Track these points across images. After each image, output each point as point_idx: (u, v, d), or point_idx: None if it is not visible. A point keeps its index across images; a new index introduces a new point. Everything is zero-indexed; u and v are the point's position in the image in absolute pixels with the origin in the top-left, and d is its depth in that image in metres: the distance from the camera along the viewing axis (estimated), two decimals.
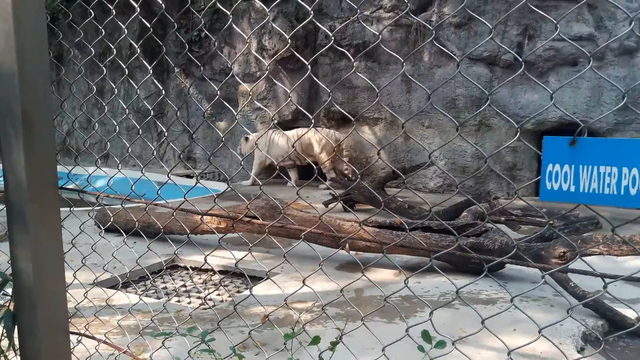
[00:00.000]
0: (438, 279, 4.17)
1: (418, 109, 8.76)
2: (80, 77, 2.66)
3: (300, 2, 1.64)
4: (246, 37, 9.11)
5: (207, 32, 5.00)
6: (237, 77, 9.39)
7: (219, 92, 1.98)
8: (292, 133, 9.09)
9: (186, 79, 10.85)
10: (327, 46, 2.04)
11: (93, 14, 2.03)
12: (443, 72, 8.56)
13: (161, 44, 2.22)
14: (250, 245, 1.93)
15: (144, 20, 1.89)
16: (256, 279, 4.46)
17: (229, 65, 9.76)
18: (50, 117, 1.65)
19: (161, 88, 3.00)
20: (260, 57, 2.43)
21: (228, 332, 3.13)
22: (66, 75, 12.02)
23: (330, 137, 9.04)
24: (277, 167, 2.45)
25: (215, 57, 9.97)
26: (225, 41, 9.87)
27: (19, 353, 1.66)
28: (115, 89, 10.78)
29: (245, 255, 1.80)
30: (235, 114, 1.74)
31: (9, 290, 1.76)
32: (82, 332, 1.85)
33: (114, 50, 2.10)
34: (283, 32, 2.11)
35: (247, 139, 9.35)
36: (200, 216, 3.42)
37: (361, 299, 3.86)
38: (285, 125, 9.84)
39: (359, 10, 1.66)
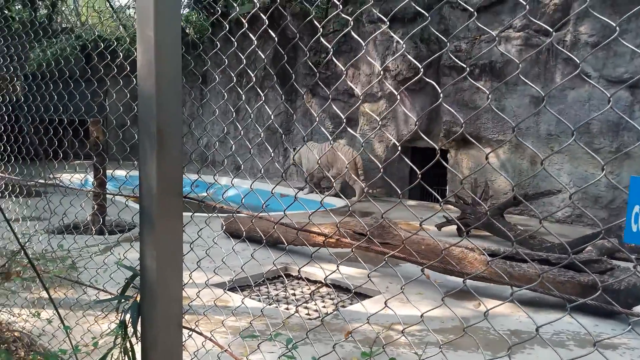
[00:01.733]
0: (554, 314, 3.88)
1: (547, 133, 8.24)
2: (219, 96, 2.95)
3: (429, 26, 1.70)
4: (372, 60, 9.32)
5: (332, 57, 5.23)
6: (359, 98, 9.61)
7: (342, 114, 2.10)
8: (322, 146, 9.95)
9: (312, 98, 11.35)
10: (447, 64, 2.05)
11: (235, 42, 2.27)
12: (576, 94, 7.97)
13: (291, 70, 2.40)
14: (339, 261, 2.00)
15: (278, 46, 2.07)
16: (361, 295, 4.52)
17: (353, 87, 10.02)
18: (180, 134, 1.88)
19: (289, 108, 3.22)
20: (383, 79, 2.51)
21: (327, 344, 3.24)
22: (208, 93, 13.23)
23: (349, 154, 9.66)
24: (307, 179, 2.50)
25: (339, 78, 10.32)
26: (350, 63, 10.18)
27: (140, 340, 1.89)
28: (248, 107, 11.61)
29: (333, 272, 1.88)
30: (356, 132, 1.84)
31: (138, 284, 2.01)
32: (193, 327, 2.06)
33: (250, 72, 2.31)
34: (407, 54, 2.15)
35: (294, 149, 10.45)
36: (313, 229, 3.59)
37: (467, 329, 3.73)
38: (403, 144, 9.82)
39: (493, 33, 1.67)
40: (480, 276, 4.23)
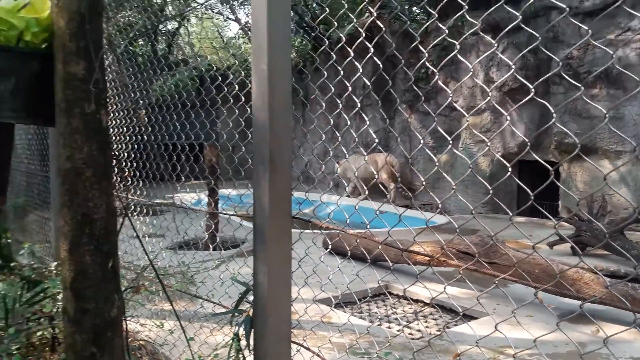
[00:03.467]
0: None
1: None
2: (320, 114, 3.09)
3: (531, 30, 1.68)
4: (471, 68, 9.09)
5: (433, 69, 5.21)
6: (461, 110, 9.41)
7: (438, 126, 2.12)
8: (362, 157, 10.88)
9: (412, 113, 11.28)
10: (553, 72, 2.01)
11: (334, 58, 2.38)
12: None
13: (391, 87, 2.46)
14: (444, 281, 2.00)
15: (377, 63, 2.13)
16: (467, 316, 4.39)
17: (453, 100, 9.84)
18: (289, 160, 2.01)
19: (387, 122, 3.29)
20: (487, 88, 2.50)
21: None
22: (311, 112, 13.69)
23: (388, 161, 10.53)
24: (347, 188, 2.46)
25: (441, 92, 10.17)
26: (451, 76, 10.00)
27: (252, 353, 2.03)
28: (348, 123, 11.82)
29: (440, 294, 1.88)
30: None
31: (251, 299, 2.17)
32: (301, 342, 2.17)
33: (349, 89, 2.42)
34: (510, 62, 2.10)
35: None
36: (419, 247, 3.59)
37: (584, 356, 3.49)
38: (509, 158, 9.41)
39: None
40: (601, 299, 3.93)
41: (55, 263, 2.71)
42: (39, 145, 5.25)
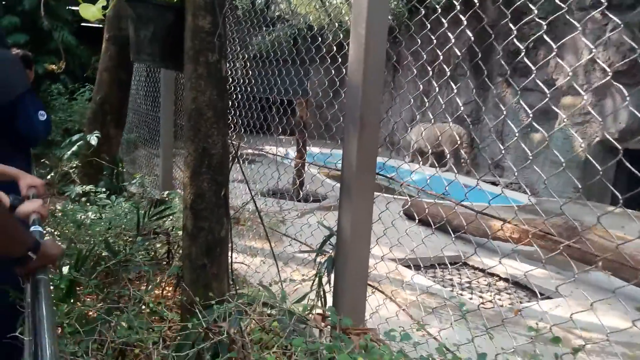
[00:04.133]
0: None
1: None
2: (411, 80, 3.16)
3: None
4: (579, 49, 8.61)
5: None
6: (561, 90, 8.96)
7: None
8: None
9: (507, 88, 10.86)
10: None
11: (429, 26, 2.47)
12: None
13: (485, 59, 2.49)
14: (518, 258, 2.10)
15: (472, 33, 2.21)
16: (541, 295, 4.40)
17: (553, 77, 9.36)
18: (378, 121, 2.17)
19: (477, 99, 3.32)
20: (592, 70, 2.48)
21: (499, 332, 3.30)
22: (402, 77, 13.56)
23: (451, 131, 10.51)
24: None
25: (541, 68, 9.69)
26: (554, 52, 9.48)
27: (332, 288, 2.27)
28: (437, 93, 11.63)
29: (530, 271, 1.97)
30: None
31: (334, 242, 2.39)
32: (376, 286, 2.38)
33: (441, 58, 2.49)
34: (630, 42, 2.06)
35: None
36: (499, 222, 3.64)
37: None
38: (608, 144, 8.87)
39: None
40: None
41: (166, 192, 3.10)
42: (151, 88, 5.78)
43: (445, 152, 11.28)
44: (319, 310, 1.84)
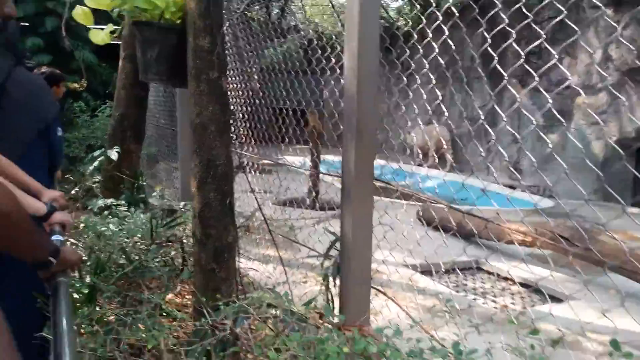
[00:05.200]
0: None
1: None
2: (424, 86, 3.24)
3: None
4: (590, 49, 8.60)
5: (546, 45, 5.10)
6: (577, 88, 8.93)
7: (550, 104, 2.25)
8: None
9: (522, 89, 10.84)
10: None
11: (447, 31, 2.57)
12: None
13: (497, 63, 2.53)
14: (530, 262, 2.17)
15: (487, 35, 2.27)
16: (554, 299, 4.41)
17: (568, 77, 9.34)
18: (375, 128, 2.27)
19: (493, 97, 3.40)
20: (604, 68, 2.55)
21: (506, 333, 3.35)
22: (412, 82, 13.59)
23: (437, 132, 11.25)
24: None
25: (553, 68, 9.66)
26: (566, 52, 9.45)
27: (338, 290, 2.37)
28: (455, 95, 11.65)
29: (545, 278, 2.00)
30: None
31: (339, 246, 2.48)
32: (378, 287, 2.48)
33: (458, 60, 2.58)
34: None
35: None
36: (513, 226, 3.69)
37: None
38: (627, 144, 8.79)
39: None
40: None
41: (183, 203, 3.27)
42: (168, 103, 5.99)
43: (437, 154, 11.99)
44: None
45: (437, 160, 11.98)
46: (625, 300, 1.60)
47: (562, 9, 2.25)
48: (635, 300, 4.05)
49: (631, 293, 4.16)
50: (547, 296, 3.63)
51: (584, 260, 4.54)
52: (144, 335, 1.55)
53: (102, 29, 2.48)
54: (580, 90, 9.40)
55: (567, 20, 2.53)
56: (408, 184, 2.72)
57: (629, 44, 8.40)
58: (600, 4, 8.66)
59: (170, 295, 2.58)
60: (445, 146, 11.87)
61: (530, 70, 3.23)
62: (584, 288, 4.53)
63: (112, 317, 1.87)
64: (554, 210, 8.27)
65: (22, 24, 10.24)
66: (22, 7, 9.89)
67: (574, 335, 3.51)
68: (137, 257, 2.30)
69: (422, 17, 2.86)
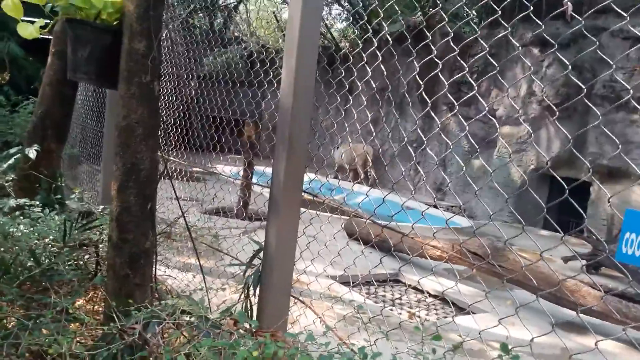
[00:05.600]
0: None
1: None
2: (361, 109, 3.37)
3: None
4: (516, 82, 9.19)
5: (471, 80, 5.42)
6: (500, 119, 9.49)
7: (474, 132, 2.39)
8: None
9: (451, 117, 11.39)
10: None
11: (381, 57, 2.66)
12: None
13: (432, 89, 2.71)
14: (454, 276, 2.29)
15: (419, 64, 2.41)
16: (461, 310, 4.66)
17: (493, 107, 9.93)
18: (305, 142, 2.33)
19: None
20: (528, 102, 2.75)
21: (416, 341, 3.49)
22: (353, 104, 13.94)
23: (363, 151, 11.78)
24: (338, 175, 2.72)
25: (483, 98, 10.26)
26: (494, 84, 10.07)
27: (257, 300, 2.38)
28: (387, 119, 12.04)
29: (451, 288, 2.16)
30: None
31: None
32: (297, 296, 2.51)
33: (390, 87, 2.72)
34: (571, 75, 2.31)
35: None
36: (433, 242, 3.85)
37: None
38: (543, 173, 9.45)
39: None
40: (596, 313, 4.12)
41: (102, 207, 3.15)
42: (96, 103, 5.78)
43: (358, 170, 12.59)
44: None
45: (361, 177, 12.52)
46: (519, 310, 1.73)
47: (485, 45, 2.43)
48: (530, 310, 4.33)
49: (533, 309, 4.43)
50: (452, 305, 3.81)
51: (492, 275, 4.89)
52: (46, 340, 1.48)
53: (33, 22, 2.37)
54: (496, 122, 10.03)
55: (489, 57, 2.73)
56: (336, 198, 2.79)
57: (550, 81, 9.08)
58: (525, 45, 9.32)
59: (81, 301, 2.48)
60: (370, 164, 12.43)
61: (452, 99, 3.43)
62: (493, 301, 4.82)
63: (12, 320, 1.77)
64: (470, 229, 8.70)
65: None
66: None
67: (475, 343, 3.70)
68: (47, 260, 2.20)
69: (359, 42, 2.98)
